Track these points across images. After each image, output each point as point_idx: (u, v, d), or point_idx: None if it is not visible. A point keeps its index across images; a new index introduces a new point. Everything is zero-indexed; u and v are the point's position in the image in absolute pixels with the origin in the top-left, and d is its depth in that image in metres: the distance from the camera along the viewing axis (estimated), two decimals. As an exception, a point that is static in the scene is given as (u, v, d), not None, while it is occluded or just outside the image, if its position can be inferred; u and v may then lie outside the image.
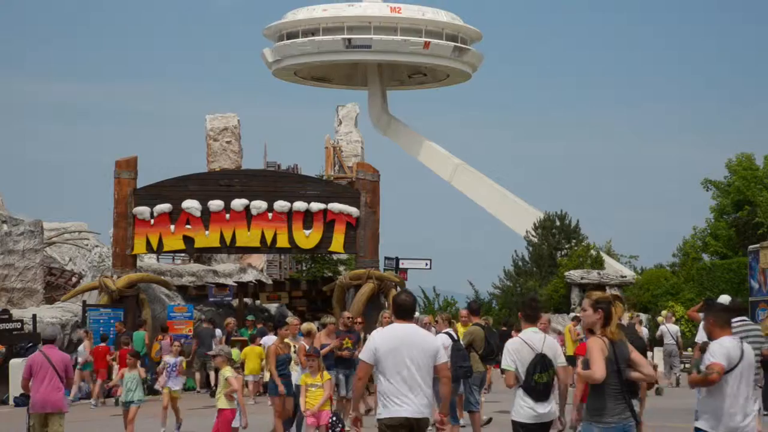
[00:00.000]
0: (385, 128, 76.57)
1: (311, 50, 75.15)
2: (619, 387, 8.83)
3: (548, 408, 9.68)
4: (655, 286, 46.15)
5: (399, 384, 8.99)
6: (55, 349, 14.44)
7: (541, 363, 9.58)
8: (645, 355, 10.23)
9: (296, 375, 16.08)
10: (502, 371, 9.93)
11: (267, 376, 21.44)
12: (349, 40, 73.56)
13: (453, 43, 75.54)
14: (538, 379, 9.57)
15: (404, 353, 9.00)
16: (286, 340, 16.69)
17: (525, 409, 9.65)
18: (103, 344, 26.02)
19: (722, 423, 8.83)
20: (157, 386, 19.04)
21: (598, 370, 8.72)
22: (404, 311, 9.25)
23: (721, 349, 8.88)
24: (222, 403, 14.57)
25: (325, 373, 14.58)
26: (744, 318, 14.82)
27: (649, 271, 51.62)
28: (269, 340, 21.86)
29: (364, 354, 9.20)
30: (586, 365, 8.94)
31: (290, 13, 77.13)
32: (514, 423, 9.77)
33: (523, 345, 9.75)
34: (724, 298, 17.08)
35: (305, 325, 17.34)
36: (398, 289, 33.58)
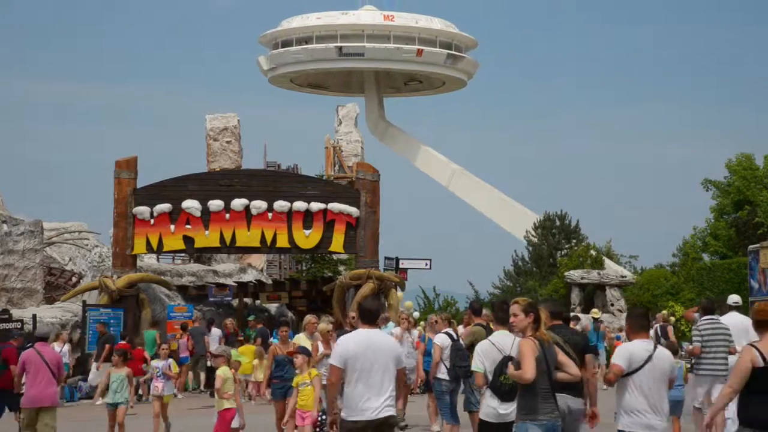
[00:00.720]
0: (382, 135, 76.81)
1: (304, 58, 75.82)
2: (548, 387, 9.29)
3: (511, 409, 9.97)
4: (655, 286, 46.11)
5: (364, 387, 9.35)
6: (48, 347, 14.87)
7: (507, 365, 9.83)
8: (587, 353, 10.74)
9: None
10: (473, 372, 10.42)
11: (259, 376, 21.28)
12: (341, 48, 74.10)
13: (446, 51, 75.83)
14: (504, 380, 9.91)
15: (370, 357, 9.38)
16: (294, 340, 16.53)
17: (489, 408, 10.16)
18: (123, 342, 26.09)
19: (632, 420, 9.45)
20: (153, 392, 17.93)
21: (529, 371, 9.17)
22: (370, 316, 9.66)
23: (625, 352, 9.55)
24: (219, 404, 14.54)
25: (312, 369, 14.40)
26: (713, 317, 15.45)
27: (649, 271, 51.59)
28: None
29: (334, 359, 9.51)
30: (518, 366, 9.34)
31: (285, 21, 77.71)
32: (480, 421, 10.30)
33: (492, 347, 10.23)
34: (732, 298, 17.18)
35: (321, 326, 17.06)
36: (398, 289, 33.61)
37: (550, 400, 9.31)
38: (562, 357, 9.60)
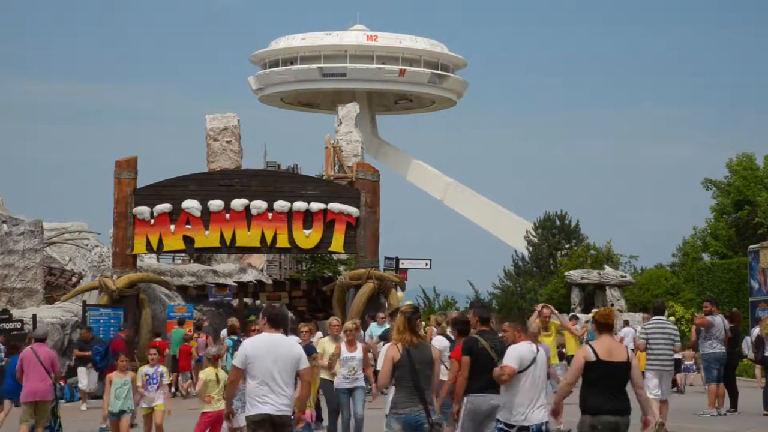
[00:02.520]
0: (375, 152, 77.72)
1: (288, 79, 77.57)
2: (412, 384, 10.26)
3: None
4: (655, 286, 46.07)
5: (264, 386, 10.15)
6: (43, 347, 16.50)
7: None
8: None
9: (338, 379, 15.68)
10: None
11: None
12: (322, 68, 75.40)
13: (430, 70, 76.63)
14: None
15: (270, 359, 10.18)
16: (320, 343, 16.09)
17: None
18: (159, 339, 26.15)
19: (514, 414, 10.54)
20: (143, 404, 15.97)
21: (382, 377, 10.50)
22: (274, 321, 10.47)
23: (515, 353, 10.62)
24: (201, 405, 14.30)
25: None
26: (660, 317, 17.57)
27: (649, 271, 51.53)
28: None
29: (236, 360, 10.34)
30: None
31: (273, 42, 79.58)
32: (387, 417, 11.14)
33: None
34: None
35: (347, 324, 16.44)
36: (398, 289, 33.61)
37: (413, 396, 10.25)
38: (436, 365, 10.63)
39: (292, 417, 10.62)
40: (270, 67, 78.53)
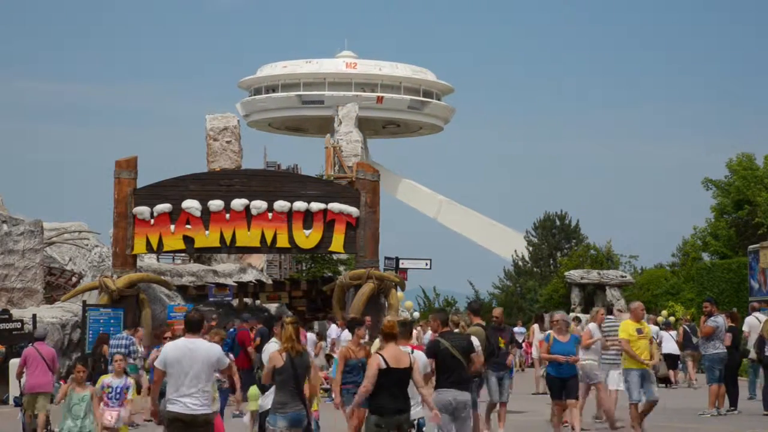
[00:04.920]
0: None
1: (269, 106, 79.08)
2: (295, 387, 11.51)
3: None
4: (655, 286, 46.11)
5: (183, 387, 10.96)
6: (44, 345, 17.84)
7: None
8: (472, 354, 12.93)
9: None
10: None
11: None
12: (301, 96, 76.94)
13: (409, 97, 77.81)
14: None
15: (189, 361, 11.00)
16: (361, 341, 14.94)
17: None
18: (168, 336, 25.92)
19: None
20: (104, 422, 14.18)
21: (264, 379, 11.72)
22: (192, 326, 11.32)
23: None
24: None
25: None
26: (610, 317, 19.01)
27: (649, 271, 51.55)
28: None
29: (158, 362, 11.18)
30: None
31: (258, 69, 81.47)
32: (270, 415, 12.17)
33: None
34: None
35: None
36: (398, 289, 33.59)
37: (296, 397, 11.48)
38: (313, 368, 11.82)
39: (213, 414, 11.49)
40: (255, 94, 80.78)
